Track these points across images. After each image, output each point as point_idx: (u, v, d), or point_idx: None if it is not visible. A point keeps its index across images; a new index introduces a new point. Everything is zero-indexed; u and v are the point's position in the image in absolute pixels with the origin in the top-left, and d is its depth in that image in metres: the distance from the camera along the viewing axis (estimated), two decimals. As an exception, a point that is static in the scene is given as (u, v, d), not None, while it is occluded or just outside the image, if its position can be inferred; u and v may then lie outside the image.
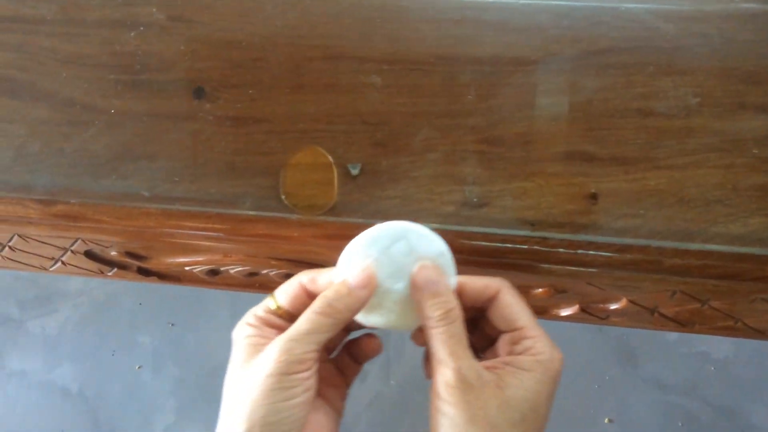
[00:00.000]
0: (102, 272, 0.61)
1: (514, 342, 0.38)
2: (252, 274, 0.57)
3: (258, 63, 0.43)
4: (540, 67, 0.41)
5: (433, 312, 0.37)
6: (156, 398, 1.26)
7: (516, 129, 0.41)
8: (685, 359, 1.10)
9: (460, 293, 0.39)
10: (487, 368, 0.37)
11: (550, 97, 0.41)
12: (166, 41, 0.44)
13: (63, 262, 0.60)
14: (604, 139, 0.40)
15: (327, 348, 0.44)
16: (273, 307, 0.41)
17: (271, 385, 0.35)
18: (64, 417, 1.27)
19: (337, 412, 0.43)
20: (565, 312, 0.54)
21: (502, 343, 0.40)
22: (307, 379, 0.36)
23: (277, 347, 0.36)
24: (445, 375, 0.36)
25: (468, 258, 0.42)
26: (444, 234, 0.41)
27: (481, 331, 0.43)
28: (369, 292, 0.38)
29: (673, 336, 1.11)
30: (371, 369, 1.16)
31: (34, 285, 1.35)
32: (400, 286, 0.39)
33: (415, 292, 0.38)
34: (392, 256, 0.38)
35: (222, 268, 0.56)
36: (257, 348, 0.38)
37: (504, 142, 0.41)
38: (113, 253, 0.55)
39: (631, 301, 0.49)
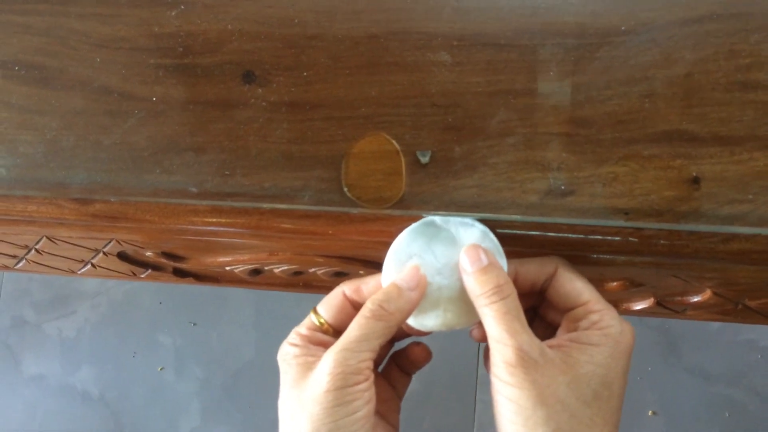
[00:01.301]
0: (134, 274, 0.57)
1: (579, 318, 0.36)
2: (297, 273, 0.53)
3: (313, 42, 0.39)
4: (630, 37, 0.37)
5: (483, 288, 0.35)
6: (180, 400, 1.22)
7: (605, 108, 0.37)
8: (730, 348, 1.06)
9: (515, 279, 0.37)
10: (551, 347, 0.34)
11: (643, 71, 0.37)
12: (211, 20, 0.40)
13: (93, 265, 0.56)
14: (705, 116, 0.36)
15: (374, 363, 0.42)
16: (317, 322, 0.39)
17: (331, 401, 0.33)
18: (85, 422, 1.24)
19: (394, 428, 0.41)
20: (638, 306, 0.51)
21: (566, 323, 0.37)
22: (367, 390, 0.34)
23: (330, 360, 0.34)
24: (504, 354, 0.33)
25: (553, 252, 0.38)
26: (527, 226, 0.37)
27: (541, 319, 0.40)
28: (420, 293, 0.36)
29: (716, 324, 1.07)
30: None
31: (50, 286, 1.31)
32: (451, 280, 0.37)
33: (465, 277, 0.36)
34: (436, 250, 0.37)
35: (266, 268, 0.53)
36: (308, 366, 0.36)
37: (592, 122, 0.37)
38: (148, 254, 0.51)
39: (716, 293, 0.46)
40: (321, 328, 0.39)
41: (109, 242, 0.49)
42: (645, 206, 0.36)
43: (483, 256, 0.35)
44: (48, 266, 0.57)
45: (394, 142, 0.38)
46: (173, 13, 0.40)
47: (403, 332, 0.41)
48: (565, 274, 0.37)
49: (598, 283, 0.48)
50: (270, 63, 0.39)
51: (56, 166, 0.40)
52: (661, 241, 0.36)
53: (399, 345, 0.43)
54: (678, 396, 1.06)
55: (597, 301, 0.36)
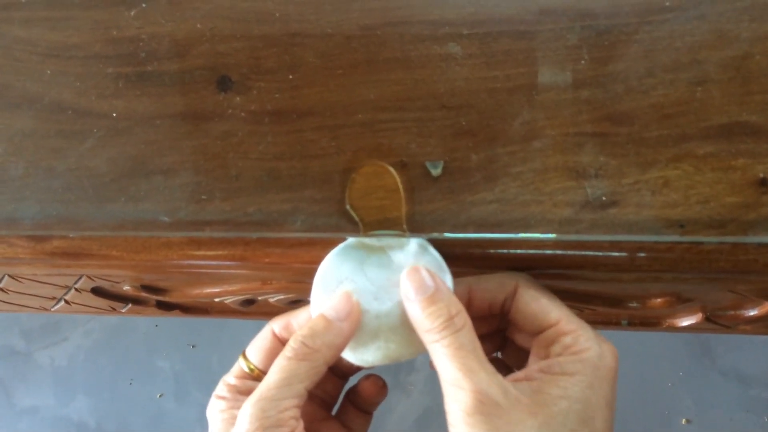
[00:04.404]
0: (114, 309, 0.52)
1: (549, 342, 0.30)
2: (295, 302, 0.47)
3: (298, 39, 0.34)
4: (676, 14, 0.31)
5: (432, 322, 0.29)
6: (182, 428, 1.17)
7: (649, 100, 0.31)
8: (767, 347, 1.00)
9: (470, 301, 0.32)
10: (517, 381, 0.29)
11: (693, 53, 0.31)
12: (177, 19, 0.34)
13: (66, 302, 0.50)
14: (770, 105, 0.30)
15: (325, 404, 0.38)
16: (246, 369, 0.35)
17: None
18: (83, 455, 1.19)
19: None
20: (685, 323, 0.45)
21: (536, 349, 0.31)
22: None
23: (246, 414, 0.30)
24: (460, 400, 0.28)
25: (592, 274, 0.33)
26: (561, 246, 0.31)
27: (511, 345, 0.35)
28: (353, 323, 0.31)
29: (748, 323, 1.01)
30: (416, 381, 1.07)
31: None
32: (390, 306, 0.32)
33: (408, 307, 0.31)
34: (369, 273, 0.32)
35: (259, 298, 0.47)
36: (232, 422, 0.31)
37: (634, 118, 0.31)
38: (126, 288, 0.46)
39: (776, 307, 0.40)
40: (251, 375, 0.35)
41: (80, 278, 0.43)
42: (703, 216, 0.30)
43: (428, 281, 0.30)
44: (17, 305, 0.51)
45: (393, 171, 0.32)
46: (133, 13, 0.35)
47: (353, 366, 0.37)
48: (528, 292, 0.31)
49: (638, 300, 0.42)
50: (248, 66, 0.34)
51: (4, 198, 0.35)
52: (724, 257, 0.30)
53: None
54: (713, 402, 1.00)
55: (569, 320, 0.30)
